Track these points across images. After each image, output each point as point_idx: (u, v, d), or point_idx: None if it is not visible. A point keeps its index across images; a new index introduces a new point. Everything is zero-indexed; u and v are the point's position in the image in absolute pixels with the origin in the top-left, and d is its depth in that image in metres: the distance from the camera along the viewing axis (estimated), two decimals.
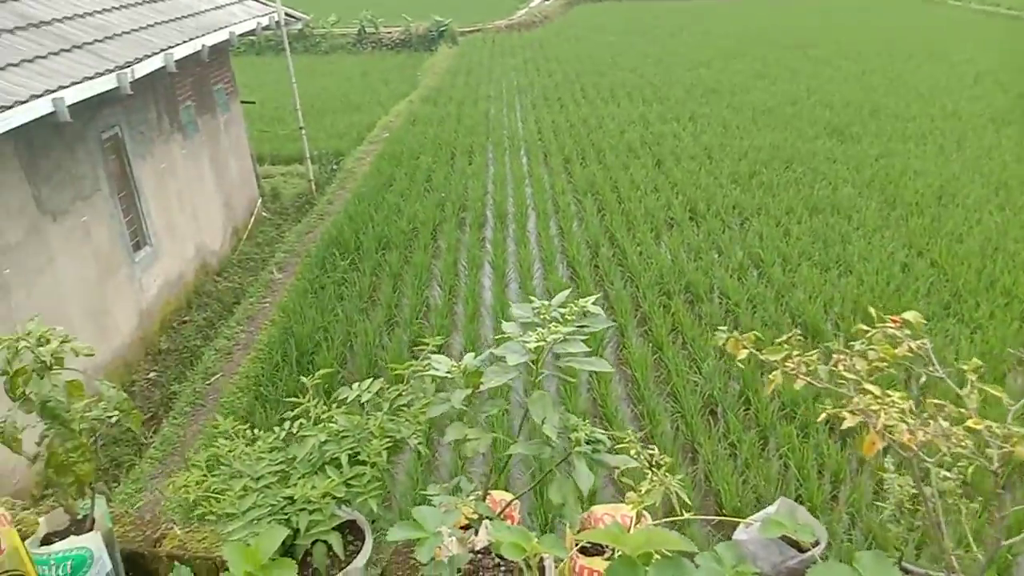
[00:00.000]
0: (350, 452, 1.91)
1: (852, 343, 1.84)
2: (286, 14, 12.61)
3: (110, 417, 2.24)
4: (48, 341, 2.19)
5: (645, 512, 2.08)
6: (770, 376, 1.86)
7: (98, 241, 7.93)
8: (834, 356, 1.82)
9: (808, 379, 1.80)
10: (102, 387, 2.35)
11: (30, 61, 6.34)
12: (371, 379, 2.15)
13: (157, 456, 6.58)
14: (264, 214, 13.14)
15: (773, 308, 8.85)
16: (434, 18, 31.70)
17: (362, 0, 34.20)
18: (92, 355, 2.17)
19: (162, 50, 8.22)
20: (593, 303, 2.09)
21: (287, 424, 2.13)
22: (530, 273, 10.12)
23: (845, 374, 1.74)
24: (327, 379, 7.44)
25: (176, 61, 8.46)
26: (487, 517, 2.03)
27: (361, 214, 12.07)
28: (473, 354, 2.15)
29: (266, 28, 11.88)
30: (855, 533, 5.72)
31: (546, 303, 2.11)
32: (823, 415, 1.84)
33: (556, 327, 1.99)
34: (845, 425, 1.74)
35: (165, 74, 8.70)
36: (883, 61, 24.34)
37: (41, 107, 5.91)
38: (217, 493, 1.89)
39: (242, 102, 12.81)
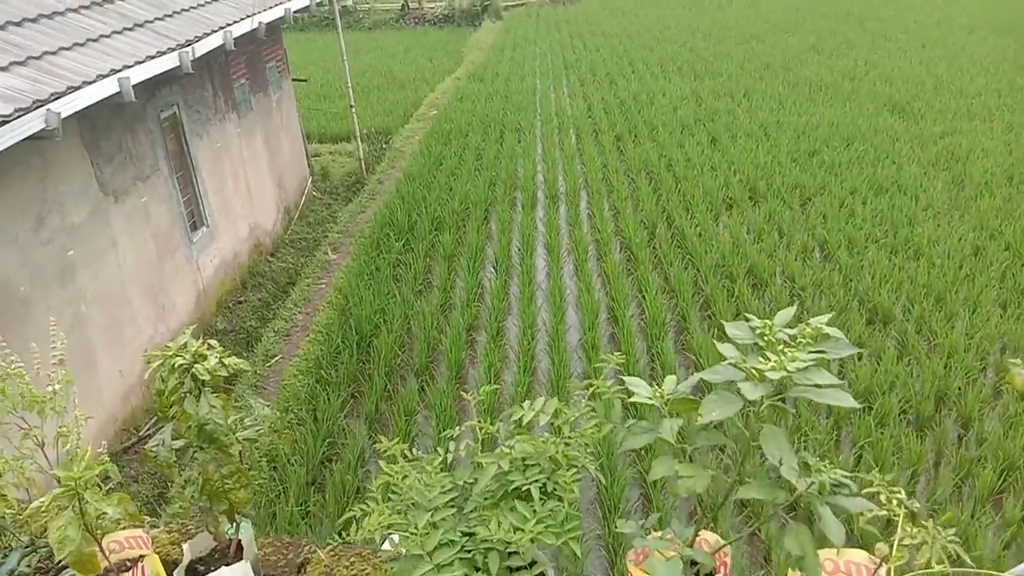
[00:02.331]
0: (539, 484, 1.73)
1: None
2: None
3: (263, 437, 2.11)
4: (204, 357, 2.05)
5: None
6: None
7: (157, 221, 7.91)
8: None
9: None
10: (255, 404, 2.22)
11: (95, 40, 6.28)
12: (544, 398, 1.94)
13: None
14: (315, 193, 13.09)
15: (841, 293, 8.55)
16: None
17: None
18: (247, 371, 2.05)
19: (221, 28, 8.13)
20: (827, 323, 1.80)
21: (451, 445, 1.96)
22: (586, 255, 9.91)
23: None
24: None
25: (233, 39, 8.37)
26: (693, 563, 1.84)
27: (413, 194, 11.94)
28: (675, 378, 1.91)
29: (319, 4, 11.75)
30: None
31: (768, 322, 1.83)
32: None
33: (791, 352, 1.71)
34: None
35: (221, 52, 8.62)
36: (943, 33, 23.45)
37: (107, 87, 5.84)
38: (398, 529, 1.72)
39: (294, 80, 12.73)
